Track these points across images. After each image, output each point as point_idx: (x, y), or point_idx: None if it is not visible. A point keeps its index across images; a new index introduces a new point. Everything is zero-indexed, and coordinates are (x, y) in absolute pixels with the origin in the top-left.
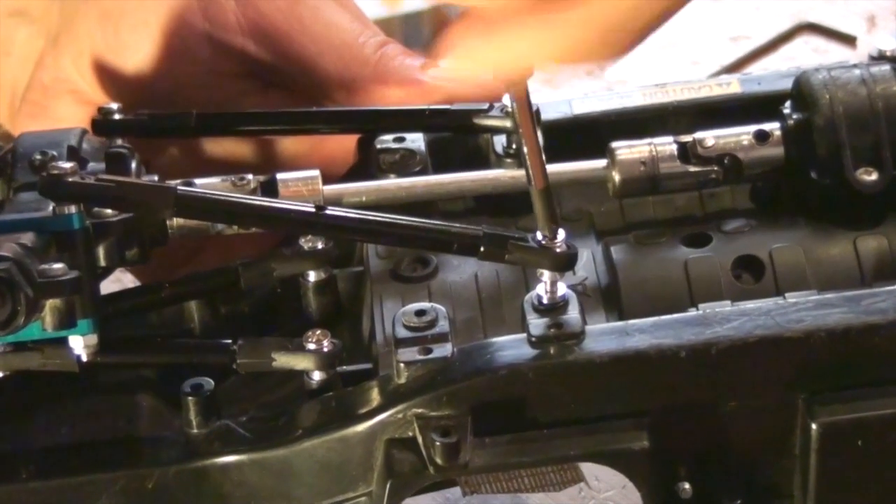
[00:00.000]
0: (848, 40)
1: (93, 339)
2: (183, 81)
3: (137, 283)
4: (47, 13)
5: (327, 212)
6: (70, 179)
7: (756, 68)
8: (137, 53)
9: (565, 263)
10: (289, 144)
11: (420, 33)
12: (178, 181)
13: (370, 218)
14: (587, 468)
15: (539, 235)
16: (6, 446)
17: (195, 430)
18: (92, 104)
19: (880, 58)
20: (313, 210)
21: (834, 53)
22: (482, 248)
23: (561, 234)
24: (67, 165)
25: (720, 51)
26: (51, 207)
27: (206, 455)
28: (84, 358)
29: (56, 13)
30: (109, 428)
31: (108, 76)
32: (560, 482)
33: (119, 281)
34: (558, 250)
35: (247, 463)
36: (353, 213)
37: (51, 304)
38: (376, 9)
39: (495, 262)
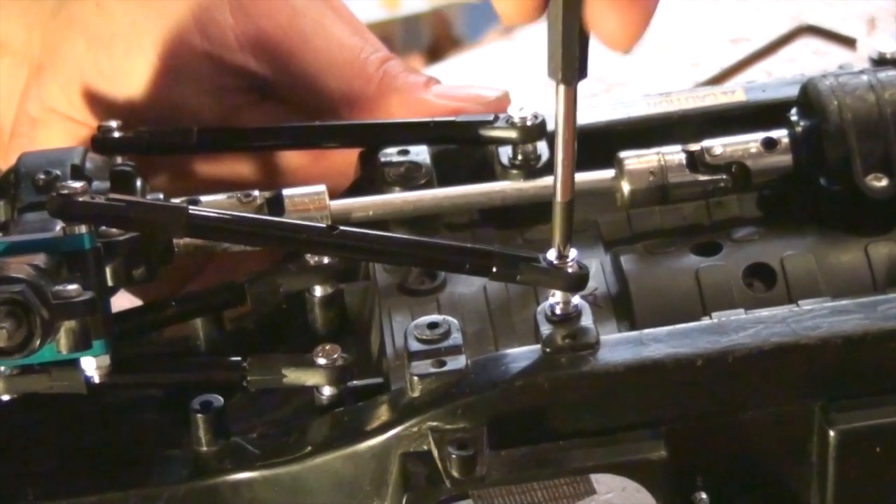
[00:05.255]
0: (848, 42)
1: (105, 359)
2: (182, 100)
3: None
4: (28, 44)
5: (339, 231)
6: (80, 199)
7: (756, 70)
8: (133, 77)
9: (577, 284)
10: (290, 158)
11: (419, 35)
12: (184, 199)
13: (382, 238)
14: None
15: (550, 255)
16: (14, 467)
17: (205, 448)
18: (85, 130)
19: (881, 60)
20: (325, 230)
21: (834, 55)
22: (494, 269)
23: (573, 253)
24: (77, 185)
25: (720, 53)
26: (58, 227)
27: (216, 473)
28: (96, 379)
29: (38, 43)
30: (117, 447)
31: (102, 101)
32: (573, 495)
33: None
34: (570, 270)
35: (258, 480)
36: (365, 233)
37: (66, 325)
38: (376, 11)
39: None
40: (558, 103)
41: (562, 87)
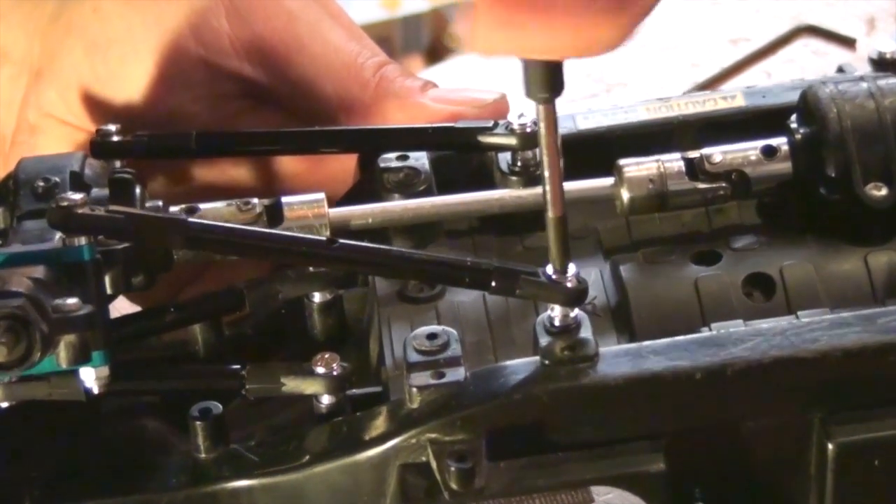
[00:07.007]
0: (847, 43)
1: (104, 370)
2: (178, 106)
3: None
4: (28, 52)
5: (338, 245)
6: (80, 211)
7: (756, 71)
8: (130, 82)
9: (576, 298)
10: (288, 164)
11: (419, 36)
12: (183, 206)
13: (381, 251)
14: None
15: (549, 269)
16: (12, 474)
17: (203, 455)
18: (83, 135)
19: (880, 60)
20: (324, 243)
21: (834, 56)
22: (493, 283)
23: (572, 268)
24: (77, 197)
25: (720, 53)
26: (57, 237)
27: (215, 480)
28: (95, 390)
29: (37, 51)
30: (115, 453)
31: (99, 107)
32: None
33: None
34: (569, 285)
35: (257, 488)
36: (363, 246)
37: (66, 339)
38: (375, 11)
39: None
40: (539, 121)
41: (541, 106)
